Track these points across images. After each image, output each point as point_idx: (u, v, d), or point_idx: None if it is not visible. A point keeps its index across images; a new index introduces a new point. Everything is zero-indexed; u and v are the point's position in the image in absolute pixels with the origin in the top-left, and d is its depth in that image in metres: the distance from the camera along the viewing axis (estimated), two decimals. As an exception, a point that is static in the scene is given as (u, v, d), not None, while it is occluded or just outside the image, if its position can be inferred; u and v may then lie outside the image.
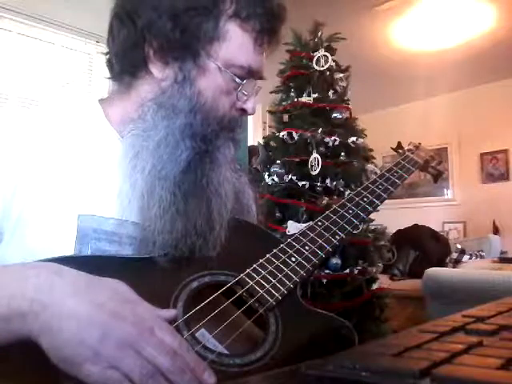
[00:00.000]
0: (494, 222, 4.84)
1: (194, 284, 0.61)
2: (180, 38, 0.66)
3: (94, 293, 0.49)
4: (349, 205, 0.82)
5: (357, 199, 0.83)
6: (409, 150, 1.06)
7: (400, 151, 1.09)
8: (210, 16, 0.67)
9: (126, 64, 0.71)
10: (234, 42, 0.68)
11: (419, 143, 1.11)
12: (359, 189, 0.86)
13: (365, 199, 0.83)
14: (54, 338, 0.46)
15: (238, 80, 0.69)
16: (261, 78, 0.75)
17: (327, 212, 0.80)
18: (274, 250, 0.69)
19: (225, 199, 0.69)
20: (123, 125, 0.70)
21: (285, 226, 2.10)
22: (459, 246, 3.95)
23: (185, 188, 0.66)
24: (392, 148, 1.13)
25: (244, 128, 2.87)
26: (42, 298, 0.47)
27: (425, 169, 1.10)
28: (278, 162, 2.25)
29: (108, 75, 0.76)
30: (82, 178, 0.67)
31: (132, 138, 0.68)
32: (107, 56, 0.75)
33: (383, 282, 2.40)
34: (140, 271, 0.61)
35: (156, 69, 0.69)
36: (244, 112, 0.74)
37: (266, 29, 0.70)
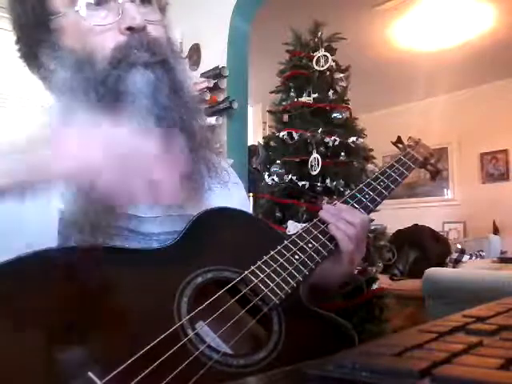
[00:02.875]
0: (494, 222, 4.85)
1: (199, 279, 0.61)
2: (32, 17, 0.67)
3: None
4: (351, 202, 0.81)
5: (359, 196, 0.83)
6: (409, 146, 1.04)
7: (400, 146, 1.07)
8: None
9: (32, 66, 0.72)
10: None
11: (419, 139, 1.10)
12: (361, 185, 0.86)
13: (366, 196, 0.83)
14: None
15: (86, 10, 0.65)
16: None
17: None
18: (278, 247, 0.69)
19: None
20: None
21: (285, 226, 2.10)
22: (459, 246, 3.96)
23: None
24: (392, 142, 1.11)
25: (244, 127, 2.86)
26: None
27: (423, 166, 1.08)
28: (278, 162, 2.25)
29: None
30: None
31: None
32: None
33: (383, 282, 2.40)
34: (143, 264, 0.60)
35: (44, 58, 0.69)
36: (132, 29, 0.66)
37: None
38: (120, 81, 0.65)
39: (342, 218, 0.75)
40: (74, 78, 0.66)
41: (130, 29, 0.66)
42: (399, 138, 1.11)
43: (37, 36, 0.69)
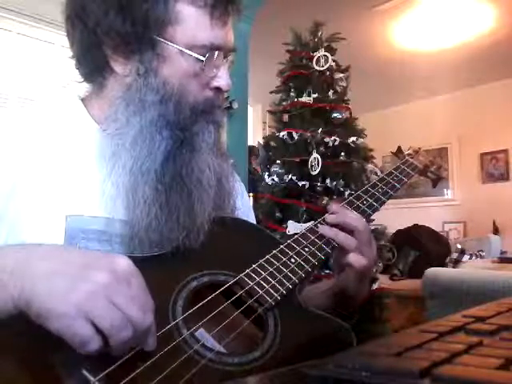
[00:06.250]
0: (494, 222, 4.85)
1: (194, 283, 0.61)
2: (132, 30, 0.64)
3: (68, 253, 0.51)
4: (349, 208, 0.82)
5: (357, 202, 0.84)
6: (408, 155, 1.07)
7: (400, 155, 1.10)
8: (158, 0, 0.64)
9: (90, 66, 0.70)
10: (189, 22, 0.65)
11: (419, 148, 1.12)
12: (359, 192, 0.87)
13: (364, 202, 0.84)
14: (29, 297, 0.46)
15: (201, 58, 0.66)
16: (230, 50, 0.71)
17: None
18: (274, 251, 0.70)
19: (206, 186, 0.68)
20: (104, 123, 0.70)
21: (285, 225, 2.10)
22: (459, 246, 3.95)
23: (166, 181, 0.65)
24: (392, 152, 1.14)
25: (244, 127, 2.86)
26: (20, 267, 0.48)
27: (424, 173, 1.10)
28: (278, 162, 2.25)
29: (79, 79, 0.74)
30: (70, 177, 0.66)
31: (107, 138, 0.67)
32: (73, 60, 0.72)
33: (383, 282, 2.40)
34: (140, 269, 0.61)
35: (118, 66, 0.67)
36: (219, 90, 0.70)
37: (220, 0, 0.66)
38: (192, 131, 0.68)
39: (346, 221, 0.75)
40: (156, 107, 0.66)
41: (218, 89, 0.70)
42: (399, 148, 1.13)
43: (135, 47, 0.66)
